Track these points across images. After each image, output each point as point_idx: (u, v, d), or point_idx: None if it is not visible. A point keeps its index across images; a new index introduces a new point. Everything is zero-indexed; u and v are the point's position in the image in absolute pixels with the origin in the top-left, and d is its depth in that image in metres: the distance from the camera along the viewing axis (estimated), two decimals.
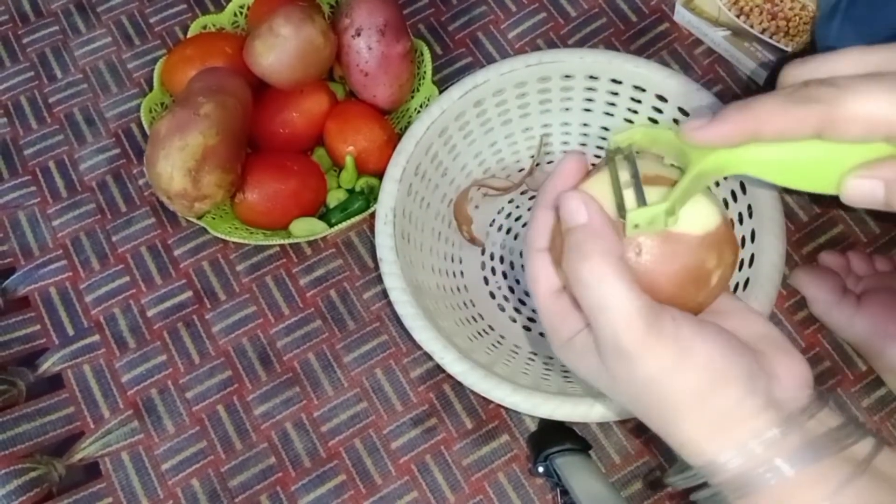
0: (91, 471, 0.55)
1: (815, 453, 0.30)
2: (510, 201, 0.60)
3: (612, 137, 0.35)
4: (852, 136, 0.29)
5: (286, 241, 0.58)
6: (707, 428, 0.32)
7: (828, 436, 0.31)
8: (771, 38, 0.61)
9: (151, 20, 0.71)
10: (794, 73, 0.31)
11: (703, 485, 0.32)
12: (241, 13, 0.66)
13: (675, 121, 0.53)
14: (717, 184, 0.52)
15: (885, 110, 0.28)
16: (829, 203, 0.59)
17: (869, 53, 0.30)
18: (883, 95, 0.28)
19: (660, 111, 0.54)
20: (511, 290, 0.57)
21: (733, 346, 0.32)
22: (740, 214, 0.50)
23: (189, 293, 0.60)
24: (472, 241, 0.59)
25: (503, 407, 0.55)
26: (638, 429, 0.54)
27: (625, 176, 0.34)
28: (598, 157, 0.60)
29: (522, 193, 0.60)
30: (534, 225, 0.37)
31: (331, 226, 0.58)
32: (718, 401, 0.31)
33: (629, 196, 0.33)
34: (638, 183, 0.33)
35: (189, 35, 0.65)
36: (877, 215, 0.58)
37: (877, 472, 0.30)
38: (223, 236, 0.56)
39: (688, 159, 0.33)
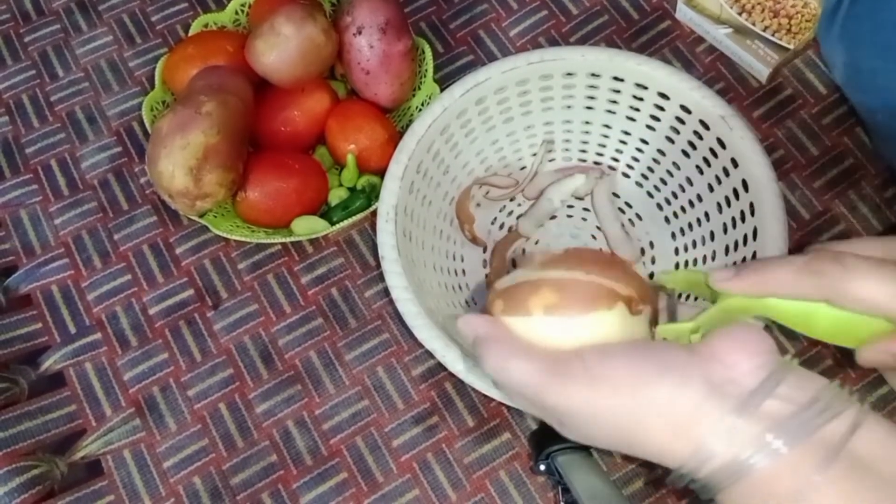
0: (93, 469, 0.55)
1: (787, 438, 0.30)
2: (512, 199, 0.60)
3: (658, 275, 0.41)
4: (854, 310, 0.34)
5: (288, 240, 0.58)
6: (665, 433, 0.32)
7: (794, 418, 0.30)
8: (773, 35, 0.61)
9: (153, 18, 0.71)
10: (816, 247, 0.38)
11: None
12: (242, 11, 0.66)
13: (677, 118, 0.53)
14: (720, 181, 0.52)
15: (883, 295, 0.33)
16: (831, 201, 0.59)
17: (880, 241, 0.36)
18: (881, 281, 0.33)
19: (662, 109, 0.53)
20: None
21: (640, 349, 0.34)
22: (742, 213, 0.50)
23: (191, 291, 0.60)
24: (474, 240, 0.59)
25: (504, 405, 0.55)
26: None
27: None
28: (599, 154, 0.60)
29: (525, 192, 0.60)
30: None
31: (332, 224, 0.58)
32: (655, 403, 0.32)
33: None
34: (674, 310, 0.39)
35: (190, 33, 0.65)
36: (877, 212, 0.58)
37: (852, 457, 0.29)
38: (225, 234, 0.56)
39: (717, 298, 0.38)
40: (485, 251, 0.59)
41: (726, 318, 0.37)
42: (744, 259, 0.48)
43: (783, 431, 0.30)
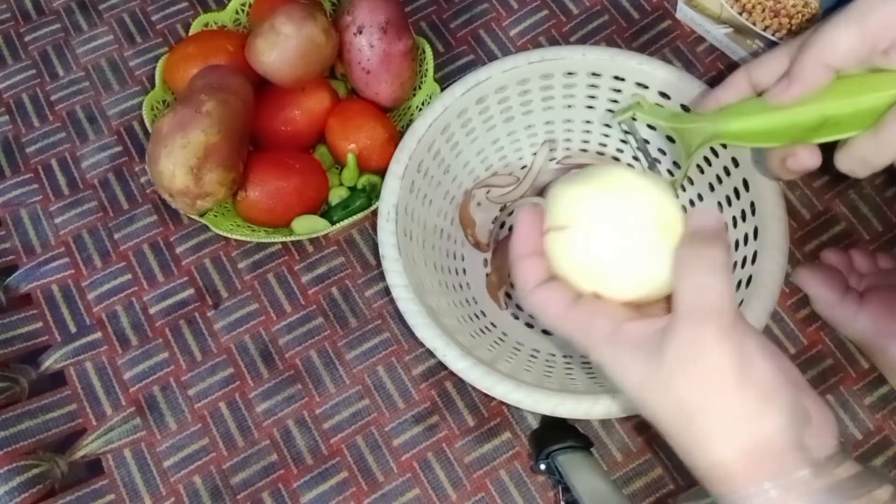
0: (93, 468, 0.55)
1: (839, 497, 0.31)
2: (515, 199, 0.60)
3: (633, 99, 0.43)
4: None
5: (288, 239, 0.58)
6: (740, 454, 0.32)
7: (851, 480, 0.31)
8: (773, 35, 0.61)
9: (153, 18, 0.71)
10: None
11: None
12: (242, 11, 0.66)
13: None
14: (720, 181, 0.52)
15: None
16: (831, 200, 0.59)
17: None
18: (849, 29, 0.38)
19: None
20: (513, 286, 0.57)
21: (786, 372, 0.33)
22: (743, 212, 0.50)
23: (191, 291, 0.60)
24: (477, 245, 0.59)
25: (505, 404, 0.55)
26: (640, 426, 0.54)
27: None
28: (600, 153, 0.60)
29: (525, 191, 0.60)
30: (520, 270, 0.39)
31: (333, 223, 0.58)
32: (759, 425, 0.32)
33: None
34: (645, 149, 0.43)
35: (191, 33, 0.65)
36: (879, 212, 0.58)
37: None
38: (225, 234, 0.56)
39: (682, 140, 0.42)
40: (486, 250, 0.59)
41: (696, 158, 0.41)
42: (744, 259, 0.48)
43: (830, 494, 0.31)
